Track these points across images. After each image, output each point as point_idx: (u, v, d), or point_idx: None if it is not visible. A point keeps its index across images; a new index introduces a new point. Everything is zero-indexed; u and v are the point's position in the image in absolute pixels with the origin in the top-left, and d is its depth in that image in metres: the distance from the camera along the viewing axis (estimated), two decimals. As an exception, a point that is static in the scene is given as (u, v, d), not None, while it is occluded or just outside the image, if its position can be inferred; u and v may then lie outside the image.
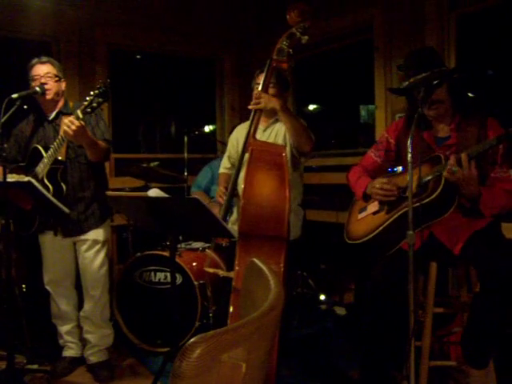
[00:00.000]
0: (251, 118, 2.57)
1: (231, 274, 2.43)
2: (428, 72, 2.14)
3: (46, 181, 2.63)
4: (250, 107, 2.60)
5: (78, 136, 2.51)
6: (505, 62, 3.42)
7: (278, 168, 2.33)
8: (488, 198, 2.07)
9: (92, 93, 2.48)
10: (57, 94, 2.78)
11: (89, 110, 2.47)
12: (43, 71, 2.74)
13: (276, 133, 2.81)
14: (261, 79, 2.77)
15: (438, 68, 2.19)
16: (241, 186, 2.63)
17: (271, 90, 2.74)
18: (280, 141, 2.77)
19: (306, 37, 2.50)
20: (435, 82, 2.11)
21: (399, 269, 2.07)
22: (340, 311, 3.85)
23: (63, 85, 2.85)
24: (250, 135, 2.50)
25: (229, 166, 3.10)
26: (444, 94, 2.20)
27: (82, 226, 2.80)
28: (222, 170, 3.14)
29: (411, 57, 2.30)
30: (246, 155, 2.46)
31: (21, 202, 2.55)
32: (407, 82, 2.19)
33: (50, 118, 2.81)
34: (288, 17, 2.52)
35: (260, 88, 2.58)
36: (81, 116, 2.45)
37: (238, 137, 3.03)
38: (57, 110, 2.80)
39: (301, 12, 2.49)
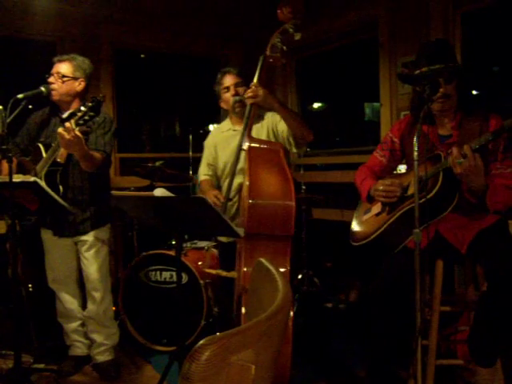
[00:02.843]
0: (247, 113, 2.47)
1: (234, 275, 2.41)
2: (443, 65, 2.13)
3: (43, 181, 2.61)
4: (247, 100, 2.48)
5: (70, 146, 2.43)
6: (510, 58, 3.40)
7: (280, 165, 2.29)
8: (492, 192, 2.06)
9: (88, 104, 2.41)
10: (66, 94, 2.73)
11: (81, 122, 2.40)
12: (55, 70, 2.72)
13: (257, 133, 2.68)
14: (227, 82, 2.79)
15: (453, 63, 2.18)
16: (235, 184, 2.59)
17: (242, 90, 2.74)
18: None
19: (299, 33, 2.45)
20: (447, 77, 2.11)
21: (405, 267, 2.06)
22: (346, 310, 3.85)
23: (79, 85, 2.75)
24: (246, 134, 2.42)
25: (210, 173, 2.97)
26: (452, 90, 2.18)
27: (77, 227, 2.78)
28: (202, 177, 2.99)
29: (426, 47, 2.26)
30: (243, 154, 2.40)
31: (27, 203, 2.55)
32: (419, 71, 2.17)
33: (63, 116, 2.73)
34: (279, 12, 2.47)
35: (255, 81, 2.48)
36: (73, 126, 2.38)
37: (215, 142, 2.94)
38: (70, 111, 2.70)
39: (293, 9, 2.44)
